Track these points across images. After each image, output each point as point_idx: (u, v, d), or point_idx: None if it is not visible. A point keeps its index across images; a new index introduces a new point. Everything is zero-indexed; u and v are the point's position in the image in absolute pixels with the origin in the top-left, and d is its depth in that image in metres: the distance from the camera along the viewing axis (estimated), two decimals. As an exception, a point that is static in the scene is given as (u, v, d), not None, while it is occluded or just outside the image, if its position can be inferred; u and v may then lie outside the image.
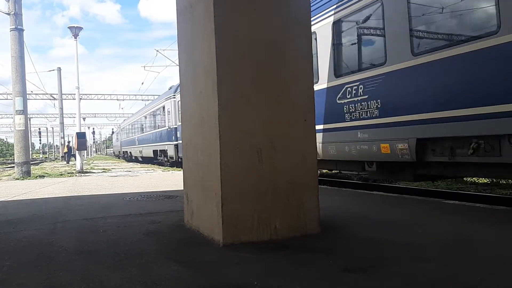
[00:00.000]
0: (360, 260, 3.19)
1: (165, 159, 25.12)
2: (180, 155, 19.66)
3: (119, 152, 53.89)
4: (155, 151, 28.30)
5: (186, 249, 3.73)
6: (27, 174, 15.15)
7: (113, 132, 79.21)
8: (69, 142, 37.65)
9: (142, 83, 75.83)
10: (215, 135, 3.74)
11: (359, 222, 4.66)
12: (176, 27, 4.83)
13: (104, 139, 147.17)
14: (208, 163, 3.94)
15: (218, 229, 3.70)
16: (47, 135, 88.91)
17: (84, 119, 70.46)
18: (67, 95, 47.19)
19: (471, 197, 7.24)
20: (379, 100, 6.79)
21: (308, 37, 4.20)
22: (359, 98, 7.24)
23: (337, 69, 8.05)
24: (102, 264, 3.27)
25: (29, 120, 43.67)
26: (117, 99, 54.72)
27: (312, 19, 7.46)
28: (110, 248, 3.80)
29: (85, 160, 35.54)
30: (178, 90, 18.69)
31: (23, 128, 15.20)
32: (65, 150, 37.56)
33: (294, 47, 4.07)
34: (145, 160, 33.60)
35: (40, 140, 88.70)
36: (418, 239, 3.79)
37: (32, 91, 42.65)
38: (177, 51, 4.86)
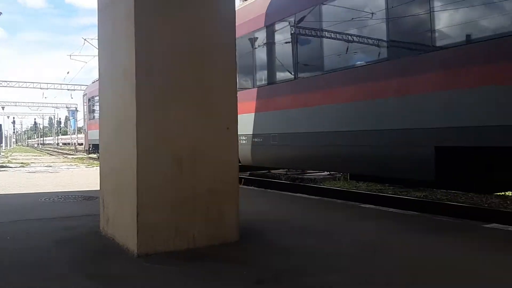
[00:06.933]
0: (274, 270, 3.22)
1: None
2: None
3: None
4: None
5: (99, 260, 3.57)
6: None
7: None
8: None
9: (68, 72, 71.06)
10: (132, 141, 3.60)
11: (279, 228, 4.71)
12: (97, 24, 4.60)
13: (25, 129, 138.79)
14: (124, 170, 3.79)
15: (133, 239, 3.58)
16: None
17: (3, 107, 65.92)
18: (-17, 81, 43.78)
19: (387, 200, 7.65)
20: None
21: (232, 44, 4.14)
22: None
23: None
24: (2, 279, 3.04)
25: None
26: (41, 88, 51.57)
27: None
28: (14, 258, 3.56)
29: (2, 152, 33.18)
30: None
31: None
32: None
33: (218, 54, 4.02)
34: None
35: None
36: (332, 248, 3.91)
37: None
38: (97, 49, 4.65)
